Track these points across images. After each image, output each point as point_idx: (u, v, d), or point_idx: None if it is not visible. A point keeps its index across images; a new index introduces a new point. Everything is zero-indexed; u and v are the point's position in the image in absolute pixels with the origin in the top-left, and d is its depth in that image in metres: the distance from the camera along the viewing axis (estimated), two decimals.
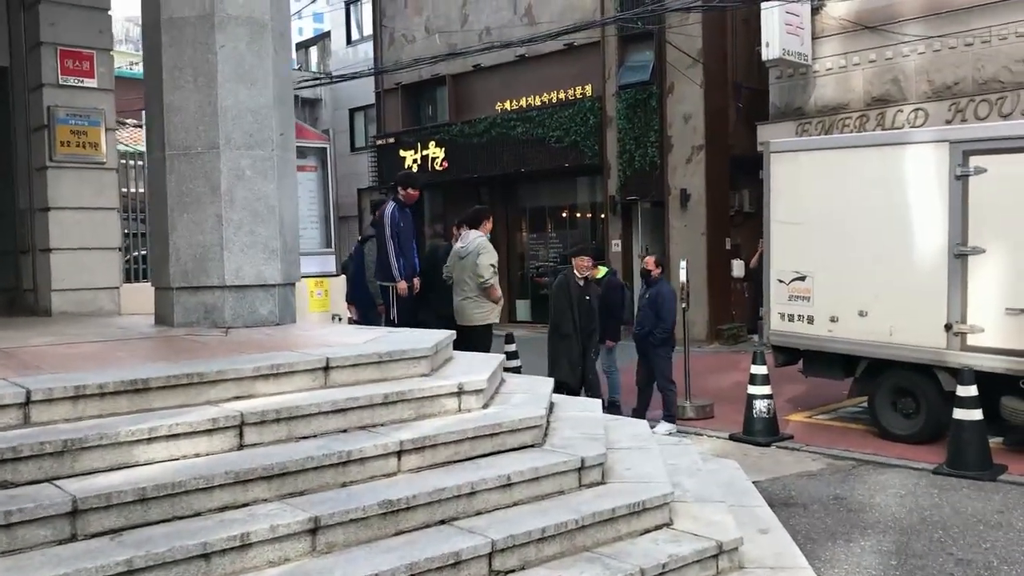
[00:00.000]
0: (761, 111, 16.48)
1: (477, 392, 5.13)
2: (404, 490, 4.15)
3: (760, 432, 8.48)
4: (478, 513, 4.34)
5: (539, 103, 19.67)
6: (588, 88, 18.80)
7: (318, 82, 25.06)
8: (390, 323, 8.24)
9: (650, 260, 9.96)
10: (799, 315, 9.01)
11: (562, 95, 19.27)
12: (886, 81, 14.36)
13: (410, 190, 8.39)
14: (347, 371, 4.98)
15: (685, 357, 9.93)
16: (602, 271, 10.32)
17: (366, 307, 8.85)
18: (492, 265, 8.26)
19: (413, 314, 8.56)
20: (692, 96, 16.97)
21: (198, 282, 6.10)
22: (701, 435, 8.87)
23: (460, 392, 5.07)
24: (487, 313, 8.43)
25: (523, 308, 20.77)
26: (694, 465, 6.04)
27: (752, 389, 8.57)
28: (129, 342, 5.70)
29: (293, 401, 4.51)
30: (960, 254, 7.75)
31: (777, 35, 14.44)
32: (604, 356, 10.17)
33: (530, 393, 5.85)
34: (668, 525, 4.72)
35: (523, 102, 20.00)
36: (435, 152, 21.30)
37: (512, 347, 11.01)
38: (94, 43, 8.46)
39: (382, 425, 4.72)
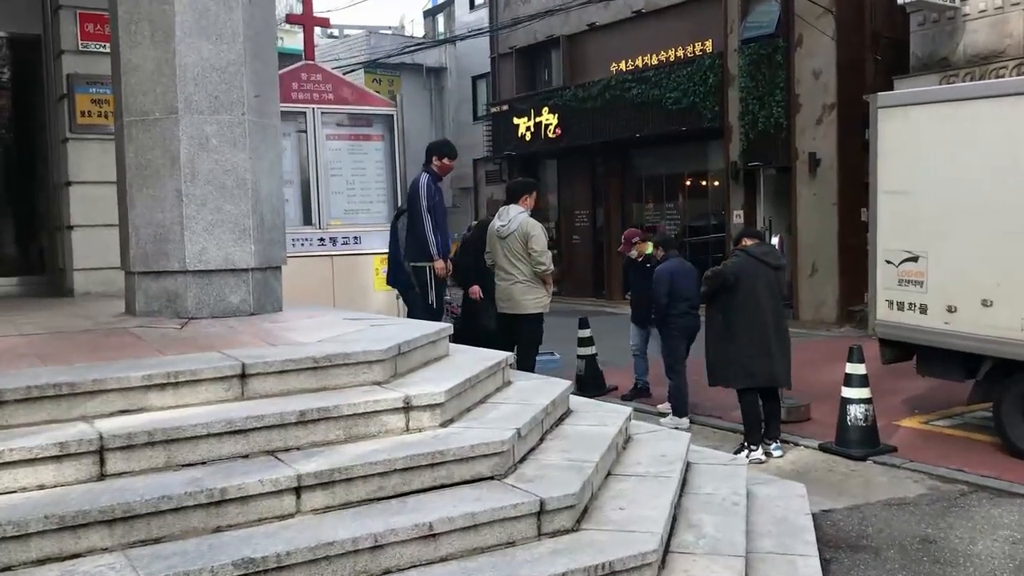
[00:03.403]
0: (903, 64, 14.53)
1: (431, 407, 4.16)
2: (280, 543, 3.25)
3: (854, 443, 7.10)
4: (386, 573, 3.39)
5: (656, 62, 18.25)
6: (708, 44, 17.24)
7: (419, 46, 24.42)
8: (428, 309, 7.36)
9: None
10: (910, 303, 7.50)
11: (680, 53, 17.78)
12: None
13: (446, 160, 7.47)
14: (271, 379, 4.12)
15: None
16: (650, 247, 9.14)
17: (405, 289, 8.00)
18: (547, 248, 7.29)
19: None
20: (823, 49, 15.17)
21: (159, 266, 5.39)
22: (788, 442, 7.54)
23: (407, 407, 4.11)
24: (540, 299, 7.41)
25: None
26: (733, 496, 4.86)
27: (847, 392, 7.17)
28: (68, 335, 5.04)
29: (174, 419, 3.68)
30: None
31: None
32: (638, 336, 9.23)
33: (524, 404, 4.83)
34: None
35: (639, 62, 18.62)
36: (548, 119, 20.23)
37: (587, 332, 9.97)
38: None
39: (298, 449, 3.85)
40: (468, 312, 8.51)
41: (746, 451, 7.05)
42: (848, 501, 5.97)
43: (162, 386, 3.88)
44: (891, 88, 13.96)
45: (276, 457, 3.74)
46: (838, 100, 15.04)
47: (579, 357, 9.94)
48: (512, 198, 7.37)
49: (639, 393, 9.35)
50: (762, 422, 7.19)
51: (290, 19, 10.10)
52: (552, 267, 7.31)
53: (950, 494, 6.09)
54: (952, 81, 12.94)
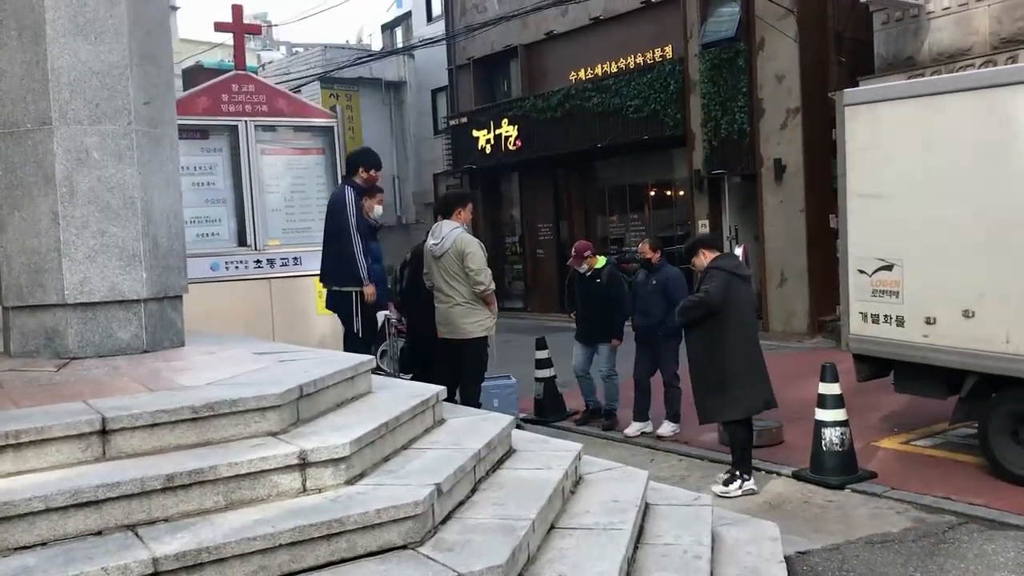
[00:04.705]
0: (868, 65, 14.09)
1: (334, 462, 3.51)
2: None
3: (831, 470, 6.51)
4: None
5: (615, 70, 17.71)
6: (668, 50, 16.73)
7: (370, 57, 23.84)
8: (351, 339, 6.72)
9: (645, 246, 8.43)
10: (885, 315, 6.95)
11: (640, 59, 17.26)
12: (1019, 17, 11.79)
13: (372, 171, 6.83)
14: (139, 435, 3.45)
15: None
16: (601, 261, 8.57)
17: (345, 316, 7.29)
18: (487, 266, 6.65)
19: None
20: (785, 52, 14.69)
21: (35, 300, 4.70)
22: (759, 470, 6.94)
23: (304, 464, 3.45)
24: (483, 322, 6.76)
25: None
26: (696, 547, 4.25)
27: (821, 414, 6.59)
28: None
29: (6, 491, 3.00)
30: None
31: None
32: (608, 358, 8.50)
33: (455, 448, 4.19)
34: None
35: (598, 70, 18.08)
36: (508, 130, 19.63)
37: (544, 353, 9.34)
38: None
39: (165, 521, 3.18)
40: (417, 337, 7.88)
41: (739, 481, 6.42)
42: (826, 539, 5.38)
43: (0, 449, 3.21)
44: None
45: (135, 533, 3.08)
46: (802, 104, 14.55)
47: (537, 380, 9.31)
48: (445, 212, 6.73)
49: (592, 415, 8.78)
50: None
51: (218, 27, 9.44)
52: (492, 286, 6.67)
53: (937, 527, 5.51)
54: None
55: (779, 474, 6.84)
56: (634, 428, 8.30)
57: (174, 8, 37.11)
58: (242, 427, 3.63)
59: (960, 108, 6.52)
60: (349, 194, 6.67)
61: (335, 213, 6.71)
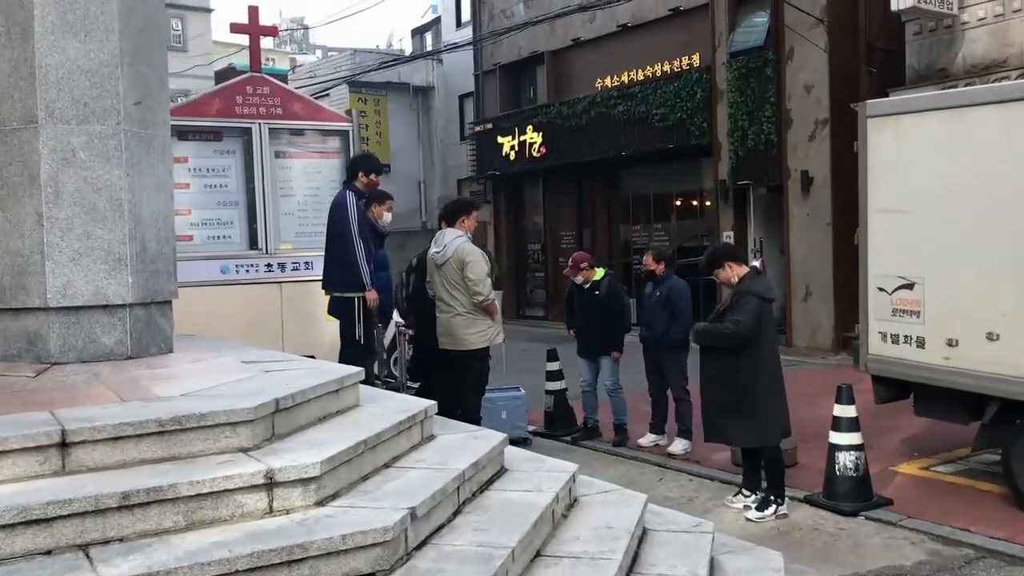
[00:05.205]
0: (899, 76, 13.77)
1: (304, 482, 3.34)
2: None
3: (844, 496, 6.26)
4: None
5: (642, 78, 17.52)
6: (696, 58, 16.52)
7: (396, 61, 23.79)
8: (352, 346, 6.57)
9: (648, 258, 8.34)
10: (905, 336, 6.68)
11: (667, 67, 17.06)
12: None
13: (373, 176, 6.69)
14: (101, 448, 3.30)
15: None
16: (599, 273, 8.36)
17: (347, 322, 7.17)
18: (487, 276, 6.47)
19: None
20: (815, 62, 14.42)
21: (18, 302, 4.58)
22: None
23: (271, 483, 3.29)
24: (485, 332, 6.59)
25: None
26: None
27: (835, 437, 6.34)
28: None
29: None
30: None
31: None
32: (611, 372, 8.29)
33: (439, 468, 4.01)
34: None
35: (625, 77, 17.90)
36: (532, 137, 19.48)
37: (555, 365, 9.14)
38: None
39: (120, 542, 3.03)
40: (421, 346, 7.73)
41: (773, 506, 6.19)
42: (834, 571, 5.13)
43: None
44: None
45: (86, 554, 2.93)
46: (831, 115, 14.26)
47: (547, 392, 9.11)
48: (450, 220, 6.57)
49: (590, 433, 8.60)
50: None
51: (234, 28, 9.36)
52: (491, 297, 6.49)
53: (954, 561, 5.25)
54: None
55: (791, 498, 6.57)
56: (648, 439, 8.27)
57: (208, 10, 37.43)
58: (211, 442, 3.47)
59: (988, 121, 6.25)
60: (350, 199, 6.54)
61: (337, 218, 6.58)
